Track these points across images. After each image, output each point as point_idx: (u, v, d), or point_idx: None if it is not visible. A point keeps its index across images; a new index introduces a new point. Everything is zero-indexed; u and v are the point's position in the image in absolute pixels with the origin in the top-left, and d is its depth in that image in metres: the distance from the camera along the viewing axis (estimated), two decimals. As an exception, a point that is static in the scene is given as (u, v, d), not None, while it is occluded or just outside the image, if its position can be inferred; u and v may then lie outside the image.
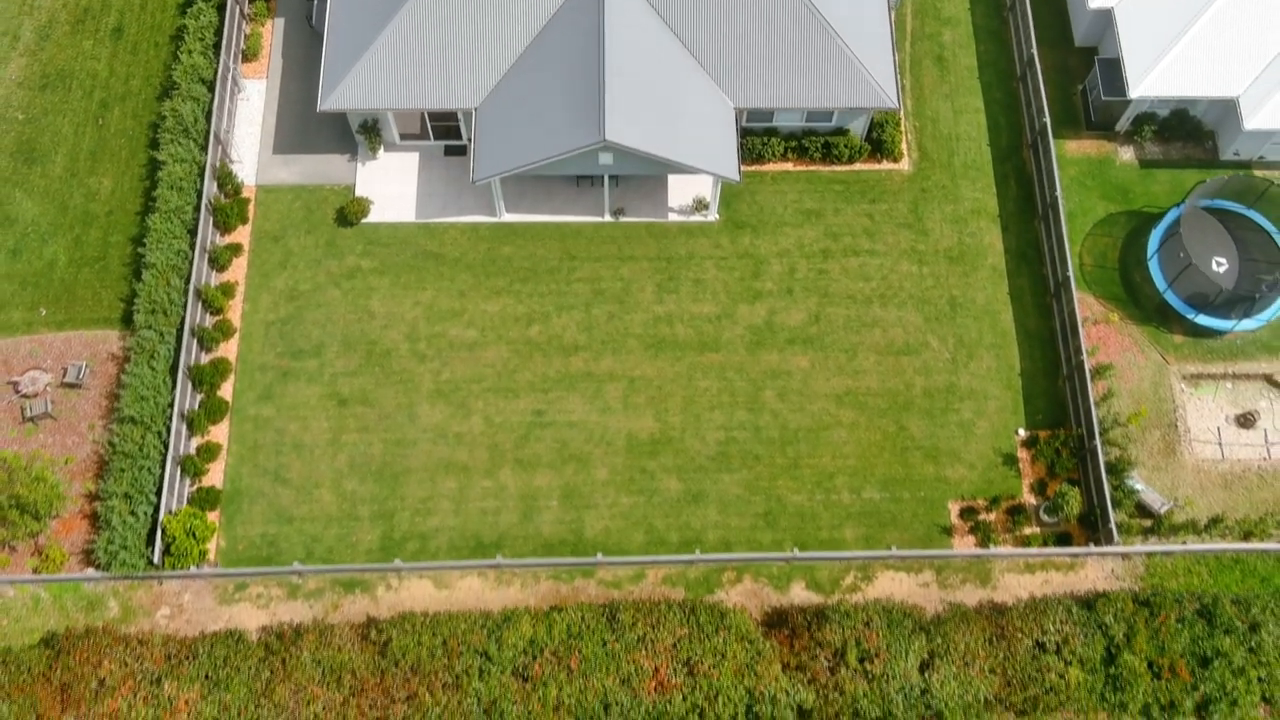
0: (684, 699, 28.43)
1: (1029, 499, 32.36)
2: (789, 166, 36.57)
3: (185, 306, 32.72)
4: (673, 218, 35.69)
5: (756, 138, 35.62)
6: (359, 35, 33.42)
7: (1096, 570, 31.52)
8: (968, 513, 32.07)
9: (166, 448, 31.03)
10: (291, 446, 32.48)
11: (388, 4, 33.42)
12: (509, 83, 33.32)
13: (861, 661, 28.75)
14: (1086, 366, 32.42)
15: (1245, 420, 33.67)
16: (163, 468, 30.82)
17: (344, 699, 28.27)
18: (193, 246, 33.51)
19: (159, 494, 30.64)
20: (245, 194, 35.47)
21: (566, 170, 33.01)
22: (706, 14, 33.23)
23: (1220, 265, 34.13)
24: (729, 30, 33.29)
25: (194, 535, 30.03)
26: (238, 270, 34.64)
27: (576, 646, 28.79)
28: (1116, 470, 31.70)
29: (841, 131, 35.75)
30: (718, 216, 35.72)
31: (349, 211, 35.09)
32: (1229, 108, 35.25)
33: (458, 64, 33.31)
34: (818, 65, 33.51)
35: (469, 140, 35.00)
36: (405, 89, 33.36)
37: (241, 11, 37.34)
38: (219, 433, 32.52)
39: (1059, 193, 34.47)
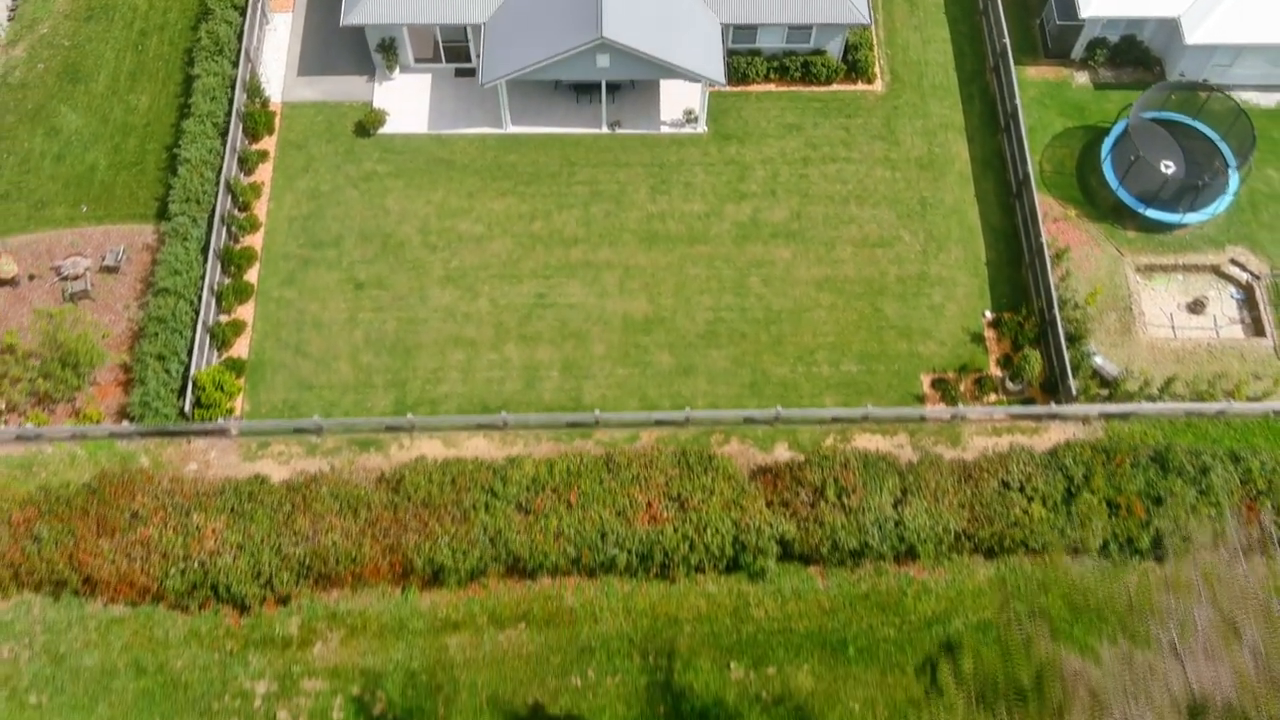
0: (675, 530, 30.63)
1: (995, 371, 34.88)
2: (771, 87, 39.79)
3: (216, 197, 35.55)
4: (665, 130, 38.78)
5: (741, 58, 38.90)
6: (379, -47, 36.92)
7: (1058, 434, 33.88)
8: (939, 383, 34.56)
9: (197, 315, 33.61)
10: (312, 324, 35.07)
11: (406, -69, 36.93)
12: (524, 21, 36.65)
13: (839, 497, 31.01)
14: (1046, 251, 35.20)
15: (1195, 306, 36.34)
16: (194, 333, 33.37)
17: (360, 529, 30.45)
18: (224, 146, 36.50)
19: (190, 356, 33.17)
20: (272, 109, 38.62)
21: (568, 73, 36.16)
22: (694, -64, 36.79)
23: (1168, 168, 37.10)
24: (715, -47, 36.81)
25: (222, 389, 32.47)
26: (264, 173, 37.58)
27: (575, 484, 31.07)
28: (1074, 339, 34.30)
29: (820, 52, 39.04)
30: (706, 129, 38.82)
31: (367, 122, 38.17)
32: (1173, 30, 38.61)
33: (468, -17, 36.76)
34: (796, -16, 37.00)
35: (477, 56, 38.20)
36: (419, 4, 36.68)
37: (270, -46, 40.90)
38: (245, 312, 35.12)
39: (1018, 102, 37.65)
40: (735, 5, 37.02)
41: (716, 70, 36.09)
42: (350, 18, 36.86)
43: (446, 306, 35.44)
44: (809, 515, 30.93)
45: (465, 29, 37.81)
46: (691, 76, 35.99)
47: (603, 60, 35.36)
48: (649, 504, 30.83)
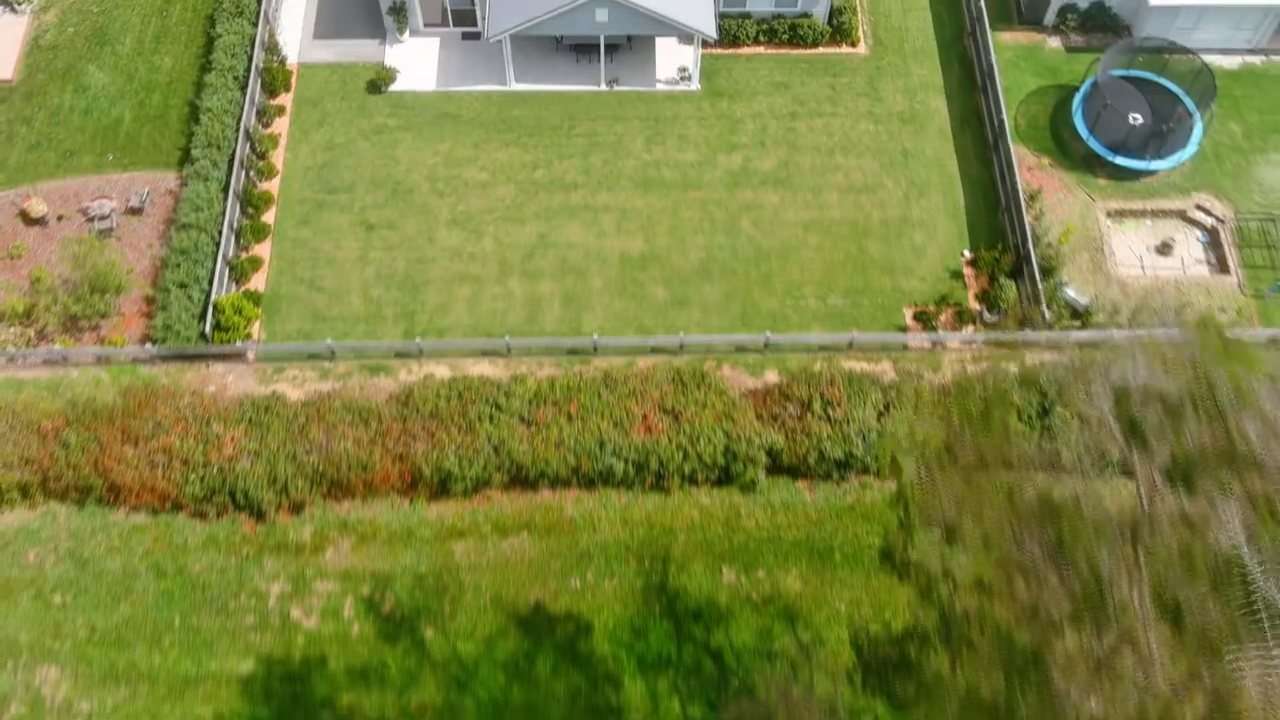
0: (669, 440, 32.30)
1: (974, 305, 36.75)
2: (760, 49, 42.08)
3: (236, 143, 37.61)
4: (660, 87, 41.00)
5: (732, 21, 41.20)
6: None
7: (1033, 360, 35.64)
8: (920, 316, 36.41)
9: (218, 249, 35.50)
10: (325, 261, 36.97)
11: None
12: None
13: (825, 409, 32.73)
14: (1021, 194, 37.26)
15: (1163, 249, 38.29)
16: (214, 265, 35.23)
17: (370, 438, 32.11)
18: (244, 98, 38.63)
19: (210, 285, 35.02)
20: (289, 68, 40.84)
21: (568, 28, 38.40)
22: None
23: (1136, 120, 39.23)
24: (706, -81, 39.27)
25: (240, 313, 34.28)
26: (280, 126, 39.67)
27: (575, 398, 32.80)
28: (1048, 273, 36.22)
29: (806, 15, 41.37)
30: (699, 86, 41.04)
31: (378, 79, 40.40)
32: (1138, -6, 41.06)
33: (475, -53, 39.14)
34: (782, -51, 39.38)
35: (483, 20, 40.49)
36: (431, -34, 39.13)
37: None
38: (262, 250, 37.03)
39: (994, 61, 39.92)
40: (726, -33, 39.49)
41: (709, 26, 38.38)
42: (362, -23, 39.28)
43: (453, 246, 37.37)
44: (796, 427, 32.63)
45: (472, -8, 40.21)
46: (685, 30, 38.24)
47: (601, 15, 37.62)
48: (645, 416, 32.53)
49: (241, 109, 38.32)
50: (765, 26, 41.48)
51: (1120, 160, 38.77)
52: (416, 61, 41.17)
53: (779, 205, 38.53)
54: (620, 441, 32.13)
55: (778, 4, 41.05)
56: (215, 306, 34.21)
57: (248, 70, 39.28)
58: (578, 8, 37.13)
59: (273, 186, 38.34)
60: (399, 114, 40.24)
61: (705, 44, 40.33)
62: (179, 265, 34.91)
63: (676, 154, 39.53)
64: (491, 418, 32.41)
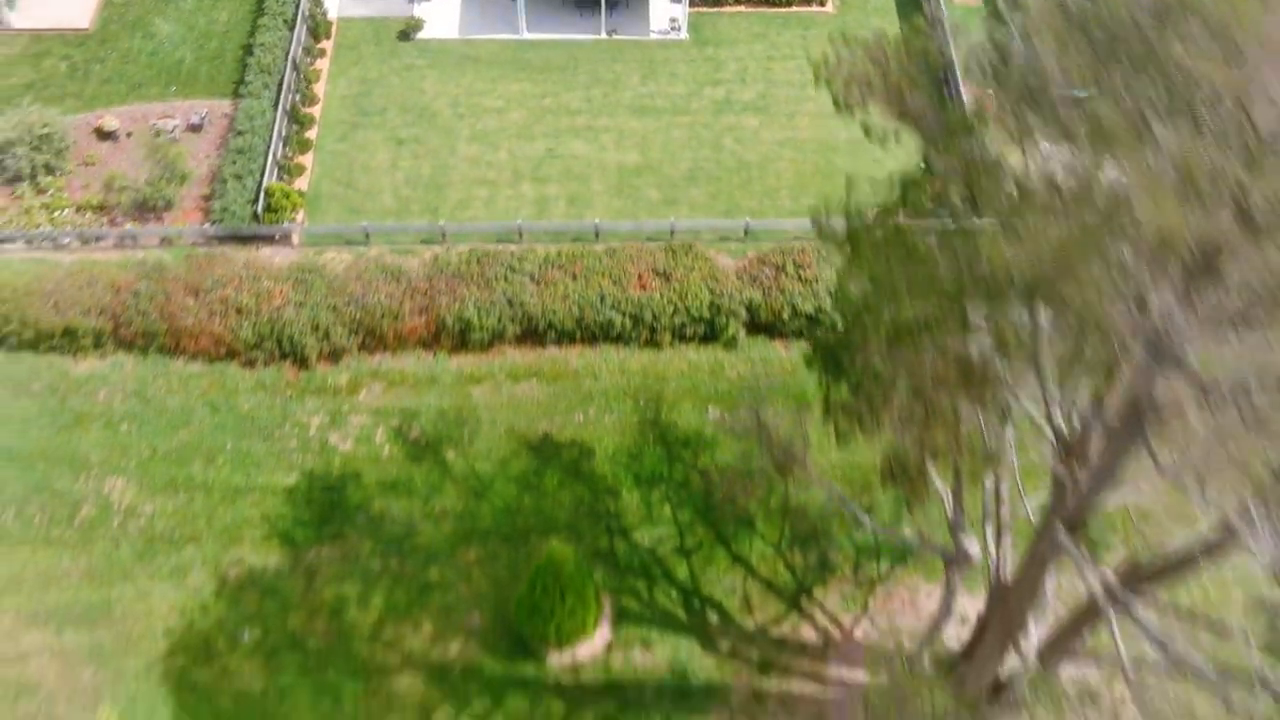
0: (661, 296, 37.07)
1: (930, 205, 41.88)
2: (741, 8, 48.26)
3: (284, 71, 43.31)
4: (653, 36, 47.02)
5: (715, -22, 47.57)
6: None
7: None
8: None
9: (268, 151, 40.83)
10: (361, 168, 42.29)
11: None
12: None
13: (797, 272, 37.58)
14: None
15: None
16: (265, 162, 40.51)
17: (401, 292, 36.88)
18: (291, 38, 44.50)
19: (261, 177, 40.24)
20: (330, 21, 46.86)
21: (570, -29, 44.63)
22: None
23: (1068, 59, 44.99)
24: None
25: (288, 198, 39.41)
26: (322, 65, 45.49)
27: (579, 262, 37.69)
28: (992, 173, 41.45)
29: (780, -23, 47.71)
30: (687, 35, 47.01)
31: (408, 28, 46.41)
32: (1068, -41, 47.23)
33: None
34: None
35: (500, -22, 46.79)
36: (455, -73, 45.47)
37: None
38: (305, 160, 42.37)
39: (944, 12, 45.98)
40: (710, -72, 45.87)
41: (694, -24, 44.63)
42: (397, -61, 45.61)
43: (472, 157, 42.74)
44: (772, 285, 37.43)
45: (490, -46, 46.46)
46: (675, -20, 44.45)
47: (602, -36, 43.82)
48: (639, 275, 37.36)
49: (290, 45, 44.16)
50: (746, -16, 47.79)
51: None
52: (441, 15, 47.28)
53: (758, 128, 44.03)
54: (619, 296, 36.90)
55: (755, -35, 47.38)
56: (266, 191, 39.35)
57: (294, 17, 45.26)
58: (582, -44, 43.33)
59: (315, 111, 43.92)
60: (425, 56, 46.12)
61: (692, 1, 46.45)
62: (235, 161, 40.21)
63: (667, 87, 45.26)
64: (506, 277, 37.23)
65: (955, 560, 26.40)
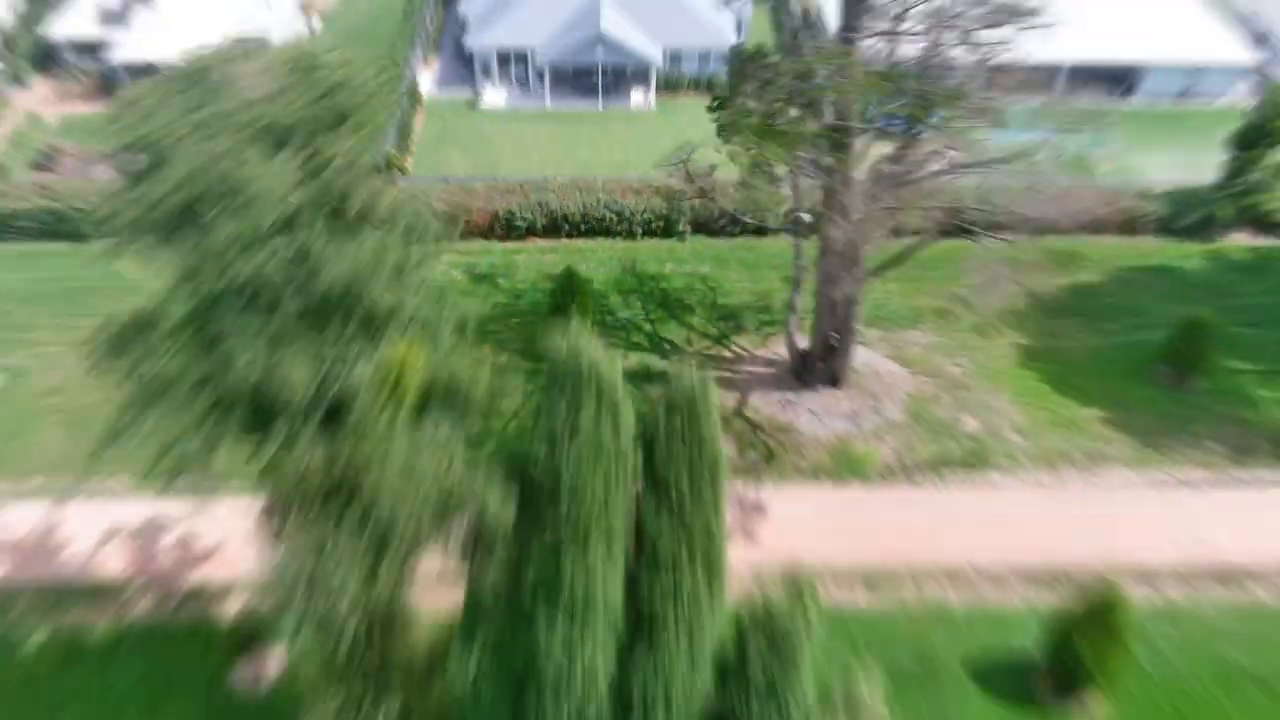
0: (635, 202, 58.50)
1: (812, 181, 64.39)
2: (692, 95, 73.33)
3: (398, 110, 67.39)
4: (632, 108, 71.71)
5: (673, 78, 72.81)
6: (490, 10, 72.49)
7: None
8: (781, 185, 63.91)
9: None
10: (442, 159, 65.21)
11: None
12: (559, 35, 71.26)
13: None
14: (836, 134, 66.38)
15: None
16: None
17: (469, 197, 58.29)
18: (400, 103, 69.10)
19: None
20: (422, 97, 71.85)
21: (579, 57, 69.79)
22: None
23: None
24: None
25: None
26: (418, 123, 69.78)
27: (587, 185, 59.50)
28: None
29: (719, 74, 73.06)
30: (655, 109, 71.71)
31: (472, 102, 71.28)
32: None
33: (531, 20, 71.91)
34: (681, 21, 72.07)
35: (530, 70, 72.27)
36: (511, 38, 71.54)
37: None
38: (405, 163, 65.43)
39: None
40: (669, 37, 71.89)
41: (656, 58, 70.11)
42: (473, 43, 71.70)
43: (512, 157, 65.84)
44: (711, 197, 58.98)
45: (526, 58, 72.29)
46: (647, 62, 69.76)
47: (600, 54, 69.26)
48: (623, 191, 59.01)
49: (400, 107, 68.69)
50: (693, 81, 73.07)
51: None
52: (494, 95, 72.38)
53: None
54: (610, 201, 58.36)
55: (699, 69, 72.99)
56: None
57: (400, 99, 70.26)
58: (585, 48, 68.92)
59: (412, 140, 67.60)
60: (484, 116, 70.64)
61: (658, 89, 71.65)
62: (365, 148, 63.22)
63: (641, 131, 69.29)
64: (536, 192, 58.91)
65: (799, 230, 46.15)
